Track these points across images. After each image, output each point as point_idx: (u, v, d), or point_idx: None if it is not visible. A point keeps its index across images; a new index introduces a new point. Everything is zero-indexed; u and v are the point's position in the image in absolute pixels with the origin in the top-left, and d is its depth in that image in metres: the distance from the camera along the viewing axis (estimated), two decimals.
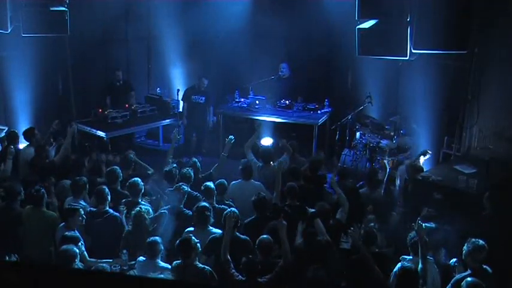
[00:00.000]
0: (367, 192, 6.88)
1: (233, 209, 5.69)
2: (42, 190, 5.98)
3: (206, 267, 5.04)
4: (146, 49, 11.33)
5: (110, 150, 8.26)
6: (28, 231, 5.90)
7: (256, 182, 6.84)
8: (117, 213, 5.95)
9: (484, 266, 4.91)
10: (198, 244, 5.09)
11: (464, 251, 4.95)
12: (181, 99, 9.97)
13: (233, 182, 6.86)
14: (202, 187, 6.30)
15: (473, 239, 4.93)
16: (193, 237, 5.11)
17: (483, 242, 4.90)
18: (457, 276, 4.90)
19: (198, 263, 5.06)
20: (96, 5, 9.56)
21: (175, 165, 6.96)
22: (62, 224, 5.70)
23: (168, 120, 10.18)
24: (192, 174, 6.64)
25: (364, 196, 6.75)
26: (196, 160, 7.28)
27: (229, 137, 7.37)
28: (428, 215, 5.84)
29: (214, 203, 6.18)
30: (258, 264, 4.90)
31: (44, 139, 7.71)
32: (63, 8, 8.32)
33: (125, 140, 9.72)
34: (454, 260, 5.19)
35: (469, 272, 4.87)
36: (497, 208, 5.96)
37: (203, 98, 9.88)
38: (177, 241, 5.11)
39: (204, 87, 9.89)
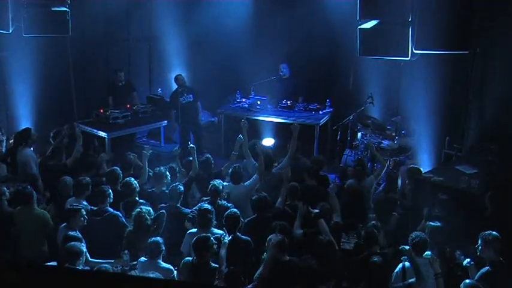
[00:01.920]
0: (355, 183, 6.94)
1: (234, 209, 5.70)
2: (29, 188, 5.98)
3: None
4: (148, 49, 11.33)
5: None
6: (21, 231, 5.89)
7: (244, 185, 6.81)
8: (117, 212, 5.96)
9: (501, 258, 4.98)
10: (215, 246, 5.07)
11: (479, 246, 5.00)
12: (170, 105, 9.94)
13: (224, 183, 6.84)
14: (210, 186, 6.32)
15: (487, 232, 5.00)
16: (211, 238, 5.09)
17: (495, 233, 4.97)
18: (482, 270, 4.94)
19: (211, 263, 5.05)
20: (97, 5, 9.57)
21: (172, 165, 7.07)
22: (63, 225, 5.68)
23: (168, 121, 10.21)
24: (168, 174, 6.70)
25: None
26: (209, 156, 7.29)
27: (239, 136, 7.37)
28: (432, 215, 5.84)
29: (220, 202, 6.21)
30: (240, 276, 4.88)
31: (57, 143, 7.70)
32: (65, 9, 8.33)
33: (126, 141, 9.74)
34: (468, 260, 5.19)
35: (488, 267, 4.92)
36: (499, 208, 5.94)
37: (191, 96, 9.82)
38: (194, 239, 5.10)
39: (186, 84, 9.81)
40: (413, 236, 5.24)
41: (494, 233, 5.01)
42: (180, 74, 9.90)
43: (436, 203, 6.19)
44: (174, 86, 10.11)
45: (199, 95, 9.99)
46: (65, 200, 6.23)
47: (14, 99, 9.16)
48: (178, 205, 6.13)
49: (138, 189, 6.32)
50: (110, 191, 6.03)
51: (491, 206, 6.01)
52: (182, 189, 6.21)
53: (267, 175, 7.04)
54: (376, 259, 5.03)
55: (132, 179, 6.40)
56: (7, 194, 6.08)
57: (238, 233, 5.49)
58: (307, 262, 4.87)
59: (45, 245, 5.87)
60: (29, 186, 6.03)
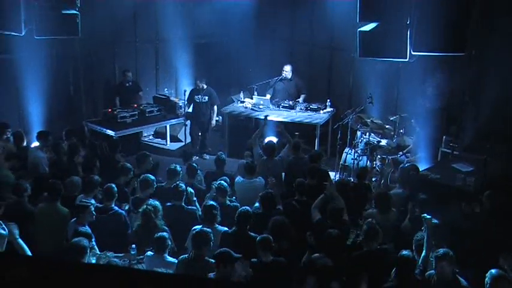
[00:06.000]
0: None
1: (247, 207, 5.75)
2: (60, 183, 6.10)
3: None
4: (154, 50, 11.53)
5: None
6: (42, 226, 5.91)
7: (258, 180, 6.95)
8: (121, 211, 6.04)
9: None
10: (212, 243, 5.15)
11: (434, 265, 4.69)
12: (186, 100, 10.19)
13: (237, 179, 7.03)
14: (215, 185, 6.41)
15: (440, 250, 4.66)
16: (210, 233, 5.17)
17: (447, 250, 4.67)
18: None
19: (207, 258, 5.10)
20: (106, 8, 9.73)
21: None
22: (73, 220, 5.75)
23: (174, 120, 10.38)
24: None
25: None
26: (223, 153, 7.71)
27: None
28: (414, 215, 5.85)
29: (227, 201, 6.33)
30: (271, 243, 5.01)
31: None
32: (75, 12, 8.53)
33: (133, 139, 9.95)
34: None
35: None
36: (496, 206, 5.98)
37: (206, 98, 10.01)
38: (193, 232, 5.21)
39: (203, 87, 9.99)
40: (418, 237, 5.12)
41: (446, 250, 4.64)
42: (201, 79, 10.06)
43: (416, 203, 6.01)
44: (180, 86, 10.30)
45: (216, 100, 10.14)
46: (71, 197, 6.29)
47: (26, 98, 9.32)
48: (183, 204, 6.22)
49: (155, 187, 6.42)
50: (116, 189, 6.11)
51: (489, 204, 6.03)
52: (184, 187, 6.26)
53: (270, 162, 7.34)
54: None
55: (150, 175, 6.46)
56: (29, 190, 6.17)
57: (248, 231, 5.55)
58: (322, 260, 4.85)
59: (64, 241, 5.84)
60: (59, 182, 6.13)
